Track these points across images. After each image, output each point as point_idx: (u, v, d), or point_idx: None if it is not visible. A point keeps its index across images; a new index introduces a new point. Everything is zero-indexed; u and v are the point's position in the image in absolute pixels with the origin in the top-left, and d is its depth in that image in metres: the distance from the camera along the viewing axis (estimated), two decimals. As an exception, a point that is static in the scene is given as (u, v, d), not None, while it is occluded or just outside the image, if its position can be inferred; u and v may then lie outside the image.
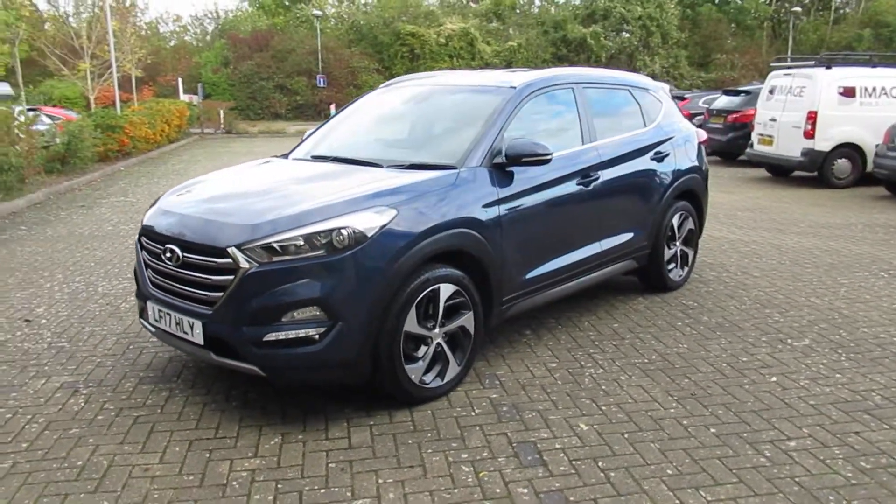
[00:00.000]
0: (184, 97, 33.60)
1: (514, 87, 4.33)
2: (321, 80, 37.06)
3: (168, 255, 3.51)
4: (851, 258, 6.62)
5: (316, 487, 2.90)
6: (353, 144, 4.55)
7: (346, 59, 39.86)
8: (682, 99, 17.45)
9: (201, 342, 3.39)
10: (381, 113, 4.92)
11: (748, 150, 12.72)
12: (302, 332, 3.21)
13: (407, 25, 39.32)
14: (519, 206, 4.02)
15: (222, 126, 28.80)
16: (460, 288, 3.67)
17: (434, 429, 3.38)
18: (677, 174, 5.36)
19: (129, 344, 4.54)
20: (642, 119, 5.27)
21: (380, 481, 2.94)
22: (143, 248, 3.79)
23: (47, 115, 17.74)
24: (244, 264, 3.22)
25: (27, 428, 3.43)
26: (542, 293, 4.33)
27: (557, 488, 2.86)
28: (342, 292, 3.23)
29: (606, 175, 4.67)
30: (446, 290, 3.60)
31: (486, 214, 3.78)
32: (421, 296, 3.48)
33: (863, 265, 6.36)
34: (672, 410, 3.52)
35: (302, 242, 3.23)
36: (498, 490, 2.86)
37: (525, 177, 4.09)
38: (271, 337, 3.21)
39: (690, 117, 16.65)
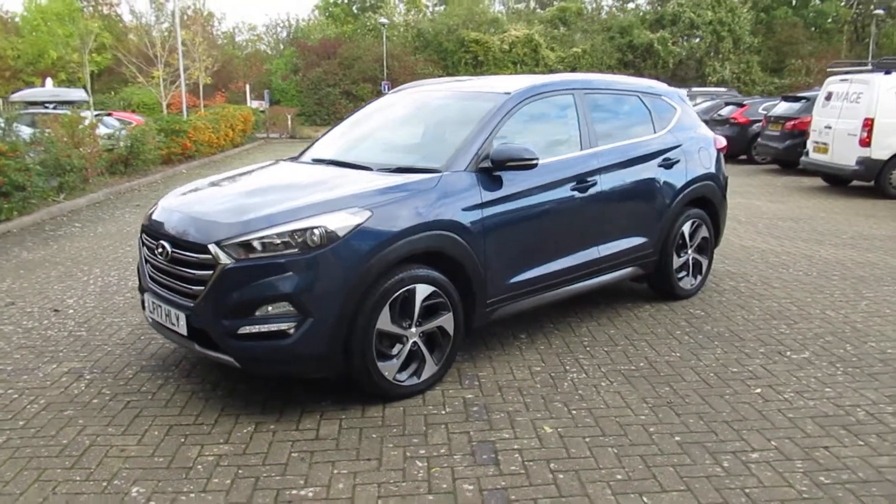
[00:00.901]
0: (253, 103, 34.79)
1: (509, 94, 4.38)
2: (386, 86, 37.65)
3: (160, 250, 3.72)
4: (885, 271, 6.34)
5: (273, 474, 3.03)
6: (350, 148, 4.69)
7: (410, 65, 40.34)
8: (742, 105, 16.96)
9: (185, 333, 3.58)
10: (383, 118, 5.05)
11: (803, 158, 12.28)
12: (275, 326, 3.36)
13: (471, 32, 39.52)
14: (505, 210, 4.06)
15: (287, 131, 29.65)
16: (438, 289, 3.75)
17: (401, 425, 3.46)
18: (688, 181, 5.28)
19: (140, 335, 4.80)
20: (652, 125, 5.22)
21: (334, 471, 3.04)
22: (143, 244, 4.02)
23: (118, 120, 18.69)
24: (223, 260, 3.38)
25: (28, 408, 3.69)
26: (532, 297, 4.35)
27: (502, 487, 2.90)
28: (313, 289, 3.35)
29: (606, 181, 4.66)
30: (423, 290, 3.68)
31: (467, 217, 3.84)
32: (395, 295, 3.58)
33: (894, 278, 6.09)
34: (642, 417, 3.50)
35: (277, 241, 3.37)
36: (444, 486, 2.92)
37: (515, 181, 4.13)
38: (246, 330, 3.37)
39: (749, 124, 16.25)
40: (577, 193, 4.47)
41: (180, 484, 2.96)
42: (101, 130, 14.53)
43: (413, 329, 3.71)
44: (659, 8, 43.31)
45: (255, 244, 3.37)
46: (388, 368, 3.62)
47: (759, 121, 15.79)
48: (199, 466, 3.10)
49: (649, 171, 5.01)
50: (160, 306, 3.75)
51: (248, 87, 33.48)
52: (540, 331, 4.78)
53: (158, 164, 15.52)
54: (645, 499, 2.79)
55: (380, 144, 4.68)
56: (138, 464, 3.12)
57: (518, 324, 4.87)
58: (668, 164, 5.14)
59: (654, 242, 5.09)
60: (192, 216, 3.69)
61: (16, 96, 20.19)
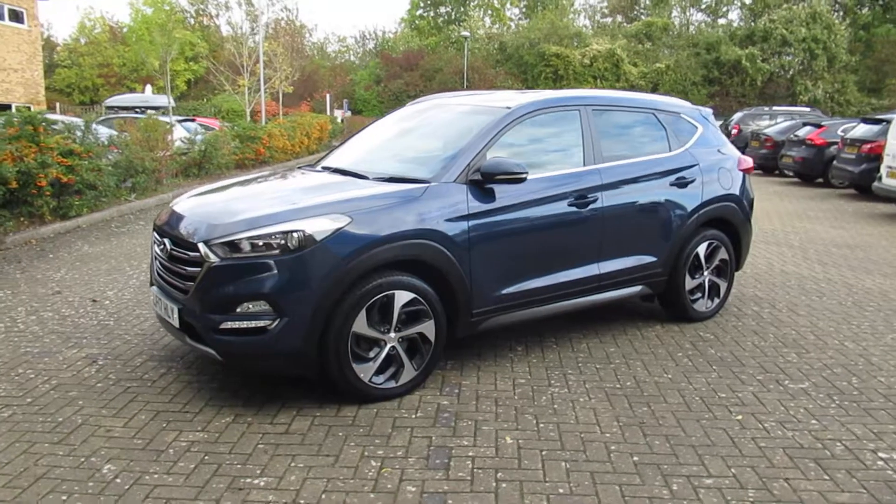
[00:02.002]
0: (336, 112, 35.89)
1: (509, 108, 4.44)
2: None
3: (161, 247, 3.99)
4: (929, 304, 6.00)
5: (235, 463, 3.20)
6: (356, 157, 4.86)
7: (490, 78, 40.66)
8: (819, 126, 16.26)
9: (178, 325, 3.82)
10: (394, 129, 5.20)
11: (875, 183, 11.68)
12: (253, 323, 3.54)
13: (552, 46, 39.45)
14: (494, 222, 4.13)
15: (364, 140, 30.34)
16: (419, 296, 3.85)
17: (369, 426, 3.57)
18: (705, 201, 5.18)
19: (160, 327, 5.10)
20: (667, 143, 5.15)
21: (291, 464, 3.19)
22: (154, 242, 4.30)
23: (201, 125, 19.69)
24: (210, 258, 3.60)
25: (39, 387, 4.01)
26: (523, 310, 4.38)
27: (443, 491, 2.96)
28: (288, 289, 3.52)
29: (609, 198, 4.64)
30: (402, 296, 3.79)
31: (451, 228, 3.93)
32: (373, 300, 3.70)
33: (937, 313, 5.75)
34: (608, 435, 3.49)
35: (259, 242, 3.56)
36: (389, 486, 3.01)
37: (508, 194, 4.19)
38: (227, 325, 3.57)
39: (826, 146, 15.56)
40: (575, 209, 4.48)
41: (149, 465, 3.17)
42: (182, 134, 15.39)
43: (392, 334, 3.82)
44: (752, 24, 41.98)
45: (239, 244, 3.57)
46: (364, 370, 3.75)
47: (836, 143, 15.09)
48: (171, 450, 3.31)
49: (659, 189, 4.95)
50: (161, 300, 4.00)
51: (328, 96, 34.50)
52: (538, 344, 4.80)
53: (232, 169, 16.24)
54: (578, 514, 2.80)
55: (384, 154, 4.82)
56: (118, 444, 3.36)
57: (517, 336, 4.90)
58: (681, 183, 5.07)
59: (664, 262, 5.02)
60: (191, 216, 3.94)
61: (109, 101, 21.58)
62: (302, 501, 2.89)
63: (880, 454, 3.31)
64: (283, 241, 3.55)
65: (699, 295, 5.33)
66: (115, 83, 45.72)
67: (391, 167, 4.44)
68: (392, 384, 3.85)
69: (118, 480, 3.03)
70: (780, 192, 14.71)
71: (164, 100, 21.09)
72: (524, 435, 3.48)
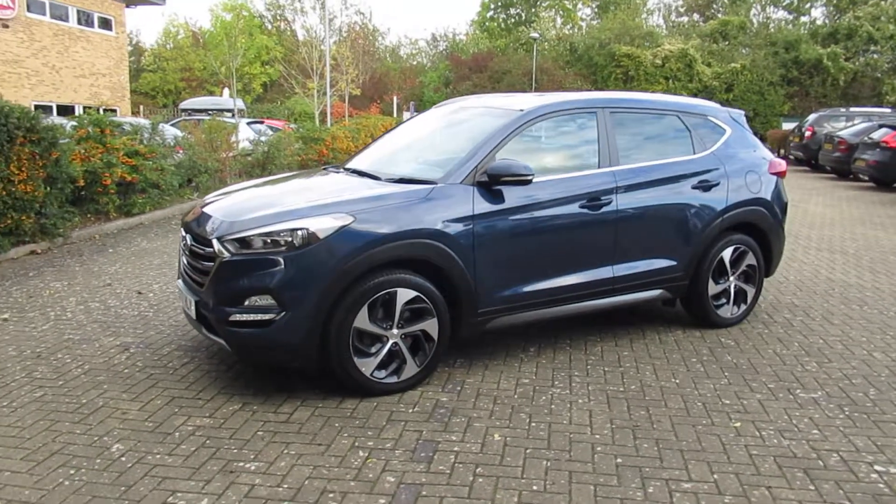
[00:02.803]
0: (405, 114, 36.37)
1: (522, 111, 4.50)
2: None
3: (184, 243, 4.23)
4: (981, 317, 5.69)
5: (232, 448, 3.39)
6: (375, 158, 5.00)
7: (559, 80, 40.29)
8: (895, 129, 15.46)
9: (195, 317, 4.05)
10: (415, 132, 5.32)
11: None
12: (258, 316, 3.73)
13: (622, 47, 38.80)
14: (501, 223, 4.19)
15: (429, 141, 30.63)
16: (422, 294, 3.95)
17: (365, 418, 3.70)
18: (730, 205, 5.08)
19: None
20: (691, 146, 5.09)
21: (284, 451, 3.35)
22: (181, 238, 4.56)
23: (269, 127, 20.39)
24: (222, 254, 3.81)
25: (72, 371, 4.32)
26: (532, 311, 4.42)
27: (421, 482, 3.06)
28: (292, 285, 3.69)
29: (624, 200, 4.63)
30: (405, 294, 3.91)
31: (455, 228, 4.02)
32: (375, 297, 3.83)
33: None
34: (597, 437, 3.50)
35: (268, 239, 3.75)
36: (371, 475, 3.13)
37: (516, 196, 4.25)
38: (236, 317, 3.76)
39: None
40: (587, 211, 4.49)
41: (154, 446, 3.39)
42: (249, 136, 15.98)
43: (395, 330, 3.94)
44: (836, 21, 40.19)
45: (249, 241, 3.77)
46: (366, 365, 3.88)
47: (913, 146, 14.33)
48: (177, 434, 3.52)
49: (680, 192, 4.90)
50: (183, 293, 4.25)
51: (395, 98, 35.02)
52: (552, 345, 4.83)
53: (294, 170, 16.74)
54: (546, 511, 2.85)
55: (401, 156, 4.95)
56: (130, 425, 3.60)
57: (532, 336, 4.95)
58: (705, 187, 4.99)
59: (684, 266, 4.96)
60: (210, 214, 4.16)
61: (184, 104, 22.57)
62: (286, 485, 3.05)
63: (876, 467, 3.21)
64: (289, 239, 3.72)
65: (724, 301, 5.23)
66: (196, 86, 47.68)
67: (404, 169, 4.57)
68: (394, 379, 3.97)
69: (123, 459, 3.26)
70: (850, 196, 14.09)
71: (240, 103, 21.92)
72: (513, 433, 3.54)
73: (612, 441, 3.46)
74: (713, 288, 5.14)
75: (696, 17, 52.58)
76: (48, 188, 7.90)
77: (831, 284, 6.69)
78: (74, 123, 9.63)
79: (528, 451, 3.35)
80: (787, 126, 27.81)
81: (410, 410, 3.80)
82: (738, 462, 3.26)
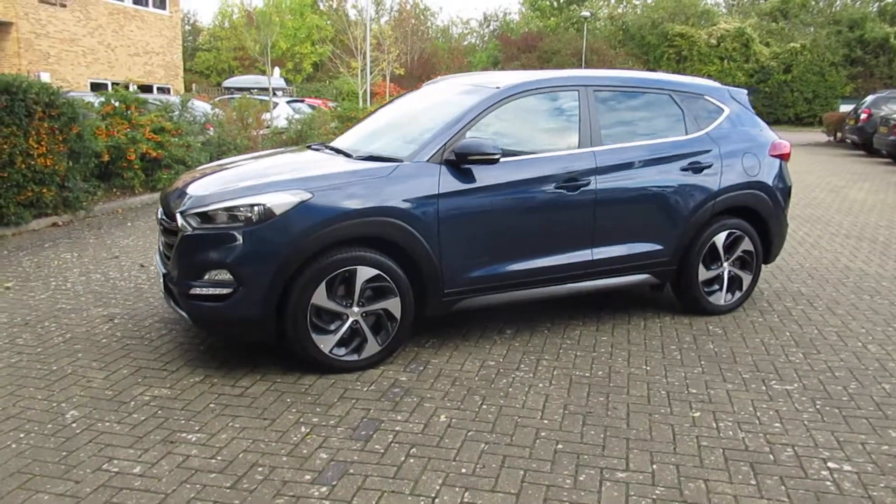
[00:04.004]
0: (450, 94, 36.16)
1: (498, 88, 4.39)
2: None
3: (158, 218, 4.30)
4: None
5: (180, 419, 3.43)
6: (357, 136, 4.97)
7: (609, 60, 39.45)
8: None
9: (164, 289, 4.12)
10: (401, 108, 5.25)
11: None
12: (215, 290, 3.76)
13: (676, 26, 37.68)
14: (469, 202, 4.12)
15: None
16: (384, 273, 3.92)
17: (318, 395, 3.71)
18: (724, 188, 4.88)
19: (184, 292, 5.48)
20: (683, 126, 4.89)
21: (229, 424, 3.38)
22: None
23: (309, 106, 20.58)
24: (185, 228, 3.85)
25: (53, 339, 4.45)
26: (503, 293, 4.35)
27: (352, 461, 3.05)
28: (247, 260, 3.71)
29: (605, 181, 4.49)
30: (365, 272, 3.88)
31: (418, 207, 3.97)
32: (334, 274, 3.82)
33: None
34: (545, 422, 3.43)
35: (226, 214, 3.77)
36: (305, 451, 3.14)
37: (488, 175, 4.17)
38: (196, 290, 3.81)
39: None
40: (564, 192, 4.37)
41: (107, 413, 3.47)
42: (287, 114, 16.15)
43: (355, 308, 3.93)
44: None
45: (208, 215, 3.80)
46: (325, 342, 3.88)
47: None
48: (132, 403, 3.60)
49: (666, 174, 4.72)
50: (158, 267, 4.32)
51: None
52: (530, 328, 4.75)
53: (328, 148, 16.85)
54: (468, 494, 2.80)
55: (380, 133, 4.89)
56: (91, 393, 3.69)
57: (512, 318, 4.88)
58: (696, 169, 4.80)
59: (671, 250, 4.79)
60: (180, 189, 4.21)
61: (227, 83, 22.95)
62: (220, 457, 3.08)
63: (830, 464, 3.06)
64: (247, 214, 3.73)
65: (716, 287, 5.05)
66: (249, 65, 48.29)
67: (377, 146, 4.52)
68: (354, 357, 3.96)
69: (74, 425, 3.35)
70: (898, 182, 13.42)
71: (278, 82, 22.18)
72: (461, 415, 3.49)
73: (559, 427, 3.38)
74: (704, 274, 4.96)
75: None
76: (70, 162, 8.14)
77: (847, 273, 6.39)
78: (102, 100, 9.87)
79: (469, 433, 3.30)
80: (845, 108, 26.58)
81: (365, 389, 3.79)
82: (683, 453, 3.14)
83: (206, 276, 3.79)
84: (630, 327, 4.82)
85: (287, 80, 40.08)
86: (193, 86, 38.67)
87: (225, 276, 3.75)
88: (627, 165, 4.59)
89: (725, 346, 4.49)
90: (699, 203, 4.81)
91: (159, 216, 4.23)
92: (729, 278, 5.08)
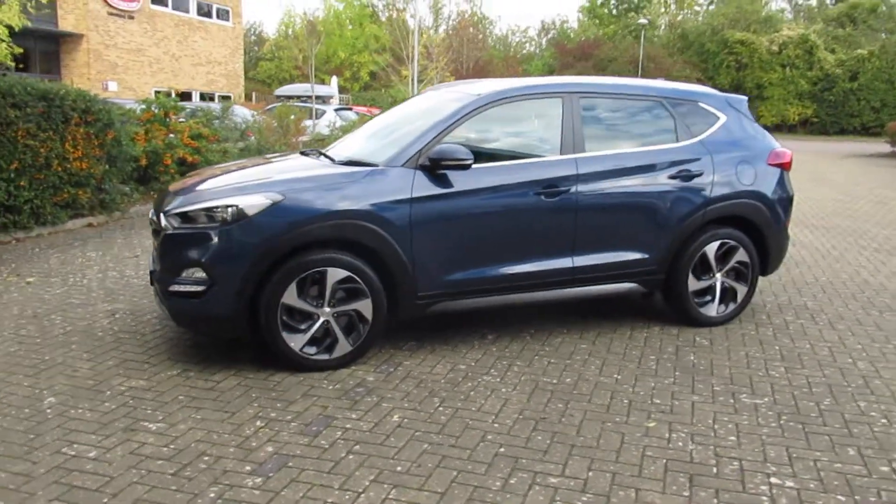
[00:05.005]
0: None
1: (478, 95, 4.45)
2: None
3: (149, 218, 4.51)
4: None
5: (147, 409, 3.60)
6: (346, 143, 5.09)
7: (666, 68, 38.80)
8: None
9: (152, 287, 4.32)
10: (392, 116, 5.34)
11: None
12: (191, 288, 3.93)
13: (736, 33, 36.77)
14: (444, 208, 4.18)
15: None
16: (355, 275, 4.02)
17: (284, 391, 3.83)
18: (715, 197, 4.79)
19: (188, 290, 5.70)
20: (675, 134, 4.84)
21: (191, 415, 3.52)
22: (158, 212, 4.85)
23: (356, 113, 20.95)
24: (166, 227, 4.04)
25: (55, 332, 4.71)
26: (480, 297, 4.38)
27: (295, 454, 3.14)
28: (219, 259, 3.86)
29: (586, 188, 4.48)
30: (336, 273, 3.99)
31: (390, 211, 4.05)
32: (304, 274, 3.94)
33: None
34: (496, 426, 3.45)
35: (203, 215, 3.94)
36: (254, 443, 3.25)
37: (464, 181, 4.22)
38: (175, 288, 3.98)
39: None
40: (543, 198, 4.39)
41: (82, 402, 3.66)
42: (332, 121, 16.52)
43: (326, 308, 4.03)
44: None
45: (188, 216, 3.97)
46: (295, 340, 3.99)
47: None
48: (108, 392, 3.78)
49: (654, 182, 4.68)
50: (150, 266, 4.53)
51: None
52: (512, 333, 4.76)
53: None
54: (394, 491, 2.86)
55: (369, 139, 4.98)
56: (74, 382, 3.90)
57: (497, 323, 4.91)
58: (685, 177, 4.74)
59: (658, 259, 4.74)
60: (170, 191, 4.41)
61: (279, 91, 23.58)
62: (172, 446, 3.21)
63: (772, 479, 2.99)
64: (222, 215, 3.89)
65: (709, 298, 4.95)
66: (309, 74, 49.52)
67: (362, 151, 4.62)
68: (325, 356, 4.06)
69: (48, 411, 3.55)
70: (954, 196, 12.80)
71: (328, 90, 22.69)
72: (414, 416, 3.55)
73: (508, 431, 3.40)
74: (694, 284, 4.88)
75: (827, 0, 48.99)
76: (107, 166, 8.55)
77: (863, 288, 6.16)
78: (143, 107, 10.32)
79: (417, 433, 3.36)
80: (912, 118, 25.45)
81: (331, 387, 3.88)
82: (624, 462, 3.12)
83: (184, 274, 3.95)
84: (615, 336, 4.78)
85: (344, 89, 40.87)
86: (253, 94, 39.87)
87: (200, 274, 3.91)
88: (611, 173, 4.57)
89: (707, 357, 4.41)
90: (688, 212, 4.74)
91: (150, 217, 4.43)
92: (722, 289, 4.98)
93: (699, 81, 37.81)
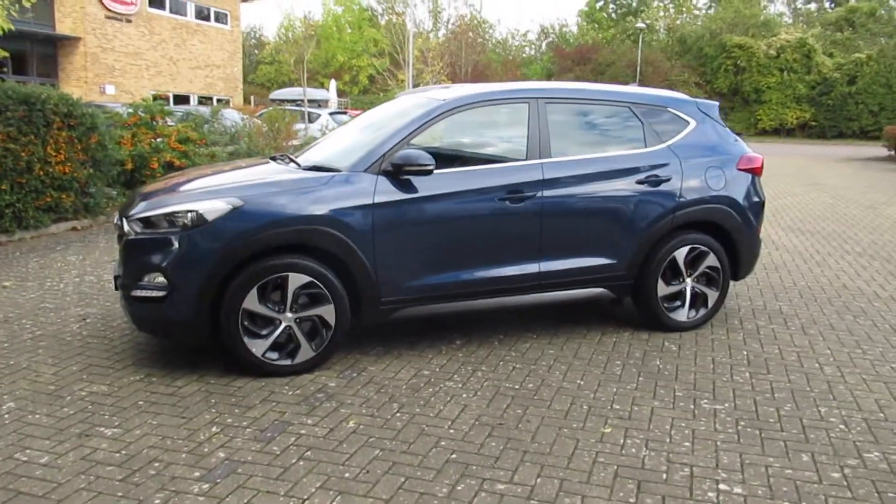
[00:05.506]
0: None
1: (443, 101, 4.45)
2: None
3: (114, 223, 4.51)
4: None
5: (105, 414, 3.60)
6: (316, 148, 5.09)
7: (664, 71, 38.86)
8: None
9: (117, 290, 4.32)
10: (366, 119, 5.34)
11: None
12: (151, 293, 3.93)
13: (734, 37, 36.79)
14: (406, 213, 4.18)
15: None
16: (317, 280, 4.02)
17: (244, 396, 3.82)
18: (684, 202, 4.79)
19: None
20: (643, 139, 4.84)
21: (147, 420, 3.52)
22: (127, 216, 4.85)
23: (351, 117, 21.00)
24: (128, 233, 4.05)
25: (23, 336, 4.71)
26: (446, 303, 4.38)
27: (244, 460, 3.14)
28: (179, 264, 3.86)
29: (552, 193, 4.48)
30: (297, 279, 3.99)
31: (351, 216, 4.05)
32: (265, 280, 3.94)
33: None
34: (451, 432, 3.44)
35: (164, 220, 3.94)
36: (206, 449, 3.24)
37: (427, 186, 4.22)
38: (136, 293, 3.99)
39: None
40: (508, 204, 4.39)
41: (41, 407, 3.66)
42: (325, 124, 16.54)
43: (288, 314, 4.03)
44: None
45: (148, 220, 3.98)
46: (256, 346, 3.99)
47: None
48: (69, 397, 3.78)
49: (620, 187, 4.68)
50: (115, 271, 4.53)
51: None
52: (480, 339, 4.76)
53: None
54: (339, 498, 2.85)
55: (335, 146, 4.97)
56: (35, 388, 3.90)
57: (467, 329, 4.90)
58: (653, 182, 4.74)
59: (626, 264, 4.73)
60: (135, 196, 4.41)
61: (274, 94, 23.63)
62: (123, 452, 3.21)
63: (721, 486, 2.98)
64: (183, 221, 3.89)
65: (678, 303, 4.95)
66: (309, 78, 49.52)
67: (329, 156, 4.62)
68: (287, 362, 4.06)
69: (6, 416, 3.55)
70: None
71: (322, 93, 22.73)
72: (371, 422, 3.54)
73: (462, 437, 3.39)
74: (664, 289, 4.87)
75: (826, 3, 49.01)
76: (92, 170, 8.56)
77: (841, 292, 6.15)
78: (130, 110, 10.34)
79: (370, 439, 3.35)
80: (909, 122, 25.44)
81: (291, 393, 3.88)
82: (574, 468, 3.11)
83: (146, 279, 3.96)
84: (584, 341, 4.77)
85: (343, 93, 40.96)
86: (252, 98, 39.94)
87: (161, 279, 3.91)
88: (577, 178, 4.57)
89: (672, 363, 4.41)
90: (656, 217, 4.74)
91: (114, 221, 4.44)
92: (692, 294, 4.97)
93: (697, 85, 37.86)
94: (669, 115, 4.96)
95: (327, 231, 4.00)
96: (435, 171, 4.17)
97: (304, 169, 4.40)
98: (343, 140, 4.99)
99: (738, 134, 5.42)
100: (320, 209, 4.00)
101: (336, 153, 4.65)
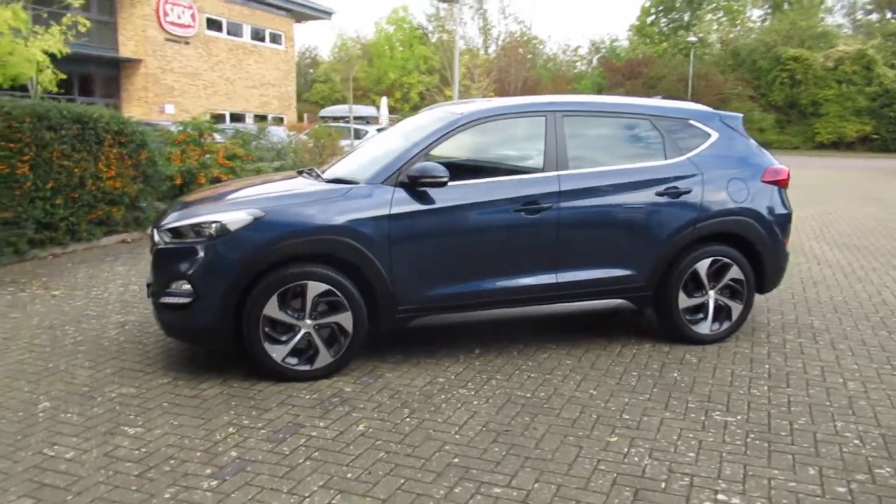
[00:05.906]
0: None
1: (461, 115, 4.55)
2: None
3: (149, 234, 4.75)
4: None
5: (131, 415, 3.79)
6: (341, 162, 5.24)
7: (717, 85, 38.21)
8: None
9: (149, 298, 4.54)
10: (391, 133, 5.48)
11: None
12: (178, 300, 4.12)
13: (789, 49, 35.96)
14: (423, 224, 4.28)
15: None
16: (335, 288, 4.15)
17: (262, 400, 3.97)
18: (705, 214, 4.77)
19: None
20: (663, 151, 4.84)
21: (169, 421, 3.69)
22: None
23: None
24: (158, 242, 4.26)
25: (65, 341, 4.98)
26: (463, 312, 4.46)
27: (254, 460, 3.27)
28: (204, 272, 4.05)
29: (569, 205, 4.52)
30: (316, 287, 4.13)
31: (369, 226, 4.18)
32: (285, 287, 4.09)
33: None
34: (458, 437, 3.51)
35: (190, 230, 4.14)
36: (220, 448, 3.39)
37: (445, 198, 4.33)
38: (164, 300, 4.19)
39: None
40: (524, 215, 4.45)
41: (73, 406, 3.87)
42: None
43: (308, 321, 4.17)
44: None
45: (177, 231, 4.18)
46: (276, 351, 4.14)
47: None
48: (99, 398, 3.99)
49: (639, 199, 4.68)
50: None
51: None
52: (499, 348, 4.81)
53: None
54: (339, 497, 2.95)
55: (357, 159, 5.11)
56: (72, 389, 4.13)
57: (486, 338, 4.96)
58: (673, 194, 4.73)
59: (646, 276, 4.73)
60: (171, 207, 4.64)
61: (323, 112, 24.18)
62: (143, 450, 3.38)
63: (719, 496, 2.96)
64: (208, 231, 4.09)
65: (700, 315, 4.91)
66: (361, 96, 50.50)
67: (350, 170, 4.77)
68: (306, 367, 4.20)
69: (41, 414, 3.77)
70: None
71: (370, 110, 23.16)
72: (380, 426, 3.63)
73: (467, 443, 3.45)
74: (685, 301, 4.84)
75: (889, 14, 47.48)
76: (142, 185, 8.96)
77: (880, 308, 5.99)
78: (180, 128, 10.78)
79: (377, 443, 3.45)
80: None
81: (308, 397, 4.01)
82: (575, 475, 3.14)
83: (173, 286, 4.16)
84: (603, 353, 4.78)
85: (394, 109, 41.52)
86: (305, 115, 40.89)
87: (187, 286, 4.10)
88: (594, 190, 4.60)
89: (690, 375, 4.38)
90: (676, 229, 4.72)
91: (148, 232, 4.67)
92: (715, 307, 4.92)
93: (751, 98, 37.10)
94: (690, 128, 4.95)
95: (345, 241, 4.14)
96: (452, 183, 4.28)
97: (326, 182, 4.56)
98: (366, 154, 5.13)
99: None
100: (339, 220, 4.14)
101: (357, 166, 4.80)
